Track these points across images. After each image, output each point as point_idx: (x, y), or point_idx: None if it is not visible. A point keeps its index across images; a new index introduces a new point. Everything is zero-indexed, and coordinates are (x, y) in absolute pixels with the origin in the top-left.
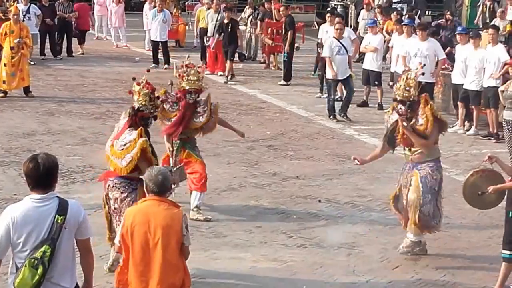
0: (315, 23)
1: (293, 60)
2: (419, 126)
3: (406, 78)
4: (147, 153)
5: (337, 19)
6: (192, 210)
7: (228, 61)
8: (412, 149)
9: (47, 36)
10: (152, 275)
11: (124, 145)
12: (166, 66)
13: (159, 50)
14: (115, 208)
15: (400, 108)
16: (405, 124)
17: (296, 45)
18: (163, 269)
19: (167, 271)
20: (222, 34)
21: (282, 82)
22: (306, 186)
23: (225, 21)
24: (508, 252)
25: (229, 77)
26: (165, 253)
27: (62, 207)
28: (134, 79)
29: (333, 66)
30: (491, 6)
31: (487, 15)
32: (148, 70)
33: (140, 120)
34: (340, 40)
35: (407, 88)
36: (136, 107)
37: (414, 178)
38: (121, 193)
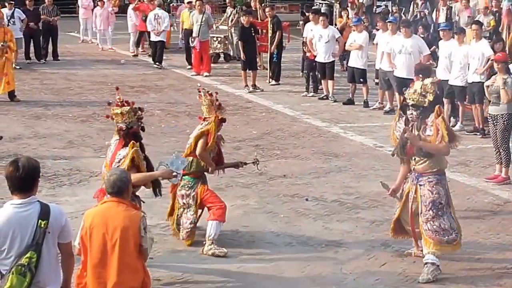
0: (300, 22)
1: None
2: (426, 136)
3: (423, 84)
4: (136, 161)
5: None
6: (208, 242)
7: (251, 71)
8: (416, 159)
9: (32, 40)
10: (110, 277)
11: (119, 161)
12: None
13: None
14: None
15: (411, 114)
16: (407, 135)
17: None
18: (120, 271)
19: (124, 272)
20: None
21: (273, 82)
22: (293, 185)
23: (246, 25)
24: None
25: (251, 87)
26: (123, 255)
27: (44, 212)
28: (109, 103)
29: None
30: (423, 5)
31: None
32: (117, 88)
33: (133, 136)
34: None
35: (424, 93)
36: (125, 127)
37: (417, 198)
38: None
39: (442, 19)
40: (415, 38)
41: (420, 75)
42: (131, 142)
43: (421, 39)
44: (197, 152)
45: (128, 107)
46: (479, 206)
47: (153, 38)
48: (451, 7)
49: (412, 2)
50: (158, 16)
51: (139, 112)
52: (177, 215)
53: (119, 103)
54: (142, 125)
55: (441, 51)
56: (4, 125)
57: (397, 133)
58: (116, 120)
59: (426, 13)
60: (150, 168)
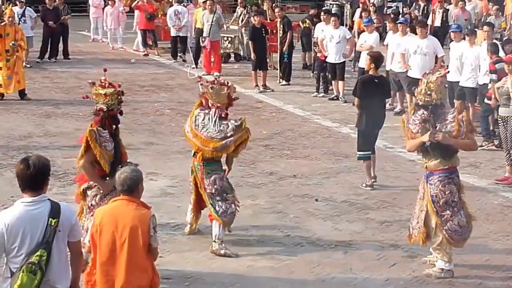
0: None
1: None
2: (447, 132)
3: (427, 82)
4: (88, 141)
5: None
6: (218, 241)
7: (262, 71)
8: (427, 156)
9: (51, 40)
10: (118, 275)
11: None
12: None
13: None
14: (91, 205)
15: (423, 113)
16: (439, 137)
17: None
18: (128, 269)
19: (133, 271)
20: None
21: (283, 82)
22: (303, 185)
23: (257, 25)
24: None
25: (261, 87)
26: (132, 254)
27: (55, 210)
28: (93, 83)
29: None
30: (425, 8)
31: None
32: (105, 70)
33: (111, 119)
34: None
35: (428, 92)
36: (106, 108)
37: (426, 196)
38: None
39: (438, 22)
40: (430, 38)
41: (373, 64)
42: (91, 123)
43: (437, 40)
44: None
45: (113, 89)
46: (488, 208)
47: (174, 33)
48: (447, 9)
49: (403, 4)
50: (178, 12)
51: (121, 96)
52: None
53: (103, 84)
54: (121, 109)
55: (452, 52)
56: (15, 123)
57: (411, 126)
58: (97, 100)
59: (417, 14)
60: (118, 153)
